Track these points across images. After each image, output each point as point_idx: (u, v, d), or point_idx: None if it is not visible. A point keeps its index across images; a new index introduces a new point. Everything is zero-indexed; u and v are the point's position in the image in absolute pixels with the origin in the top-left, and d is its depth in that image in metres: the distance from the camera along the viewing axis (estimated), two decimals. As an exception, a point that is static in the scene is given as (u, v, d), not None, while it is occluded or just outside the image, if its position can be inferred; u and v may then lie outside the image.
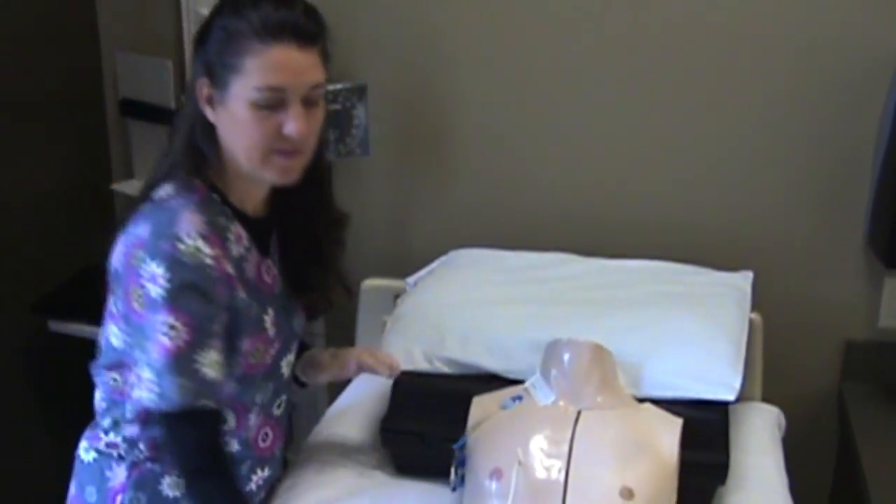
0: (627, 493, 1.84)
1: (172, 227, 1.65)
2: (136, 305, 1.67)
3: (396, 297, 2.54)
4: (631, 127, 2.71)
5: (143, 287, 1.65)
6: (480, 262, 2.57)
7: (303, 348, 2.07)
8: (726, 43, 2.60)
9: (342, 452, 2.22)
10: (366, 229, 2.85)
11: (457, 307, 2.33)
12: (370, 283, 2.71)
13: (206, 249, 1.66)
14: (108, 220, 2.96)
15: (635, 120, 2.70)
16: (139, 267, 1.65)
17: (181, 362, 1.65)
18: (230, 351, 1.75)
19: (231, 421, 1.84)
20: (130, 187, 2.91)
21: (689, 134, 2.67)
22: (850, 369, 2.71)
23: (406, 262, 2.72)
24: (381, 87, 2.73)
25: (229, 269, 1.71)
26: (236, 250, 1.76)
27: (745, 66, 2.60)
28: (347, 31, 2.72)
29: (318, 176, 1.89)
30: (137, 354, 1.70)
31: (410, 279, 2.56)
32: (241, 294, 1.75)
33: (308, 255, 1.94)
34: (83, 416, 1.96)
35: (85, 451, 1.89)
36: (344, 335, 2.72)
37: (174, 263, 1.63)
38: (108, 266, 1.75)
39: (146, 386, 1.68)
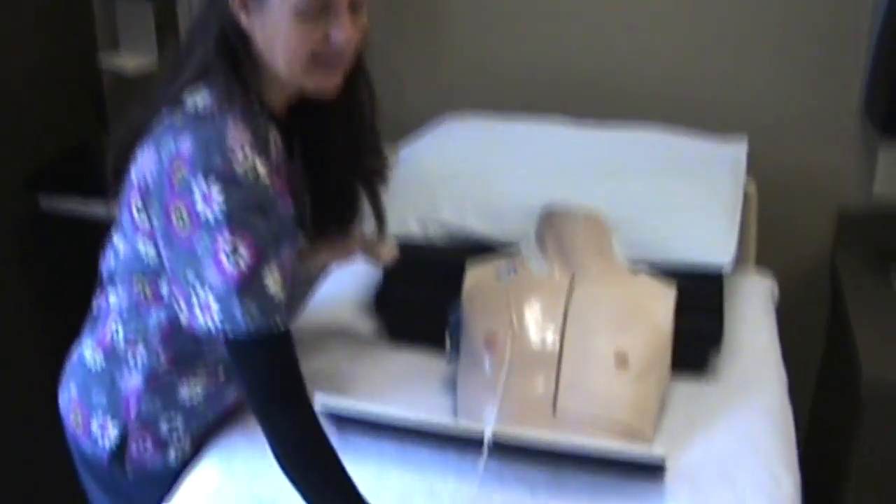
0: (622, 361, 1.85)
1: (223, 143, 1.54)
2: (179, 225, 1.56)
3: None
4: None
5: (192, 207, 1.54)
6: (474, 128, 2.56)
7: None
8: None
9: (336, 323, 2.23)
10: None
11: (450, 173, 2.32)
12: (363, 151, 2.69)
13: (261, 167, 1.56)
14: (95, 95, 2.93)
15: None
16: (186, 185, 1.54)
17: (247, 287, 1.55)
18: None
19: None
20: (117, 60, 2.87)
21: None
22: (843, 237, 2.72)
23: (399, 128, 2.69)
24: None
25: (273, 178, 1.62)
26: (276, 159, 1.68)
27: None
28: None
29: (352, 85, 1.78)
30: (188, 277, 1.58)
31: (404, 145, 2.54)
32: (286, 202, 1.69)
33: (329, 180, 1.84)
34: (77, 298, 1.94)
35: (90, 352, 1.82)
36: (382, 226, 2.71)
37: (230, 183, 1.53)
38: (130, 175, 1.65)
39: (206, 312, 1.57)
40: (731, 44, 2.64)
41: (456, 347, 1.96)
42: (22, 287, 2.71)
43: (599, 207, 2.07)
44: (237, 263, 1.54)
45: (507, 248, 2.13)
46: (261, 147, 1.61)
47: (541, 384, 1.83)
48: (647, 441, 1.84)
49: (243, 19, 1.61)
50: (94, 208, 2.62)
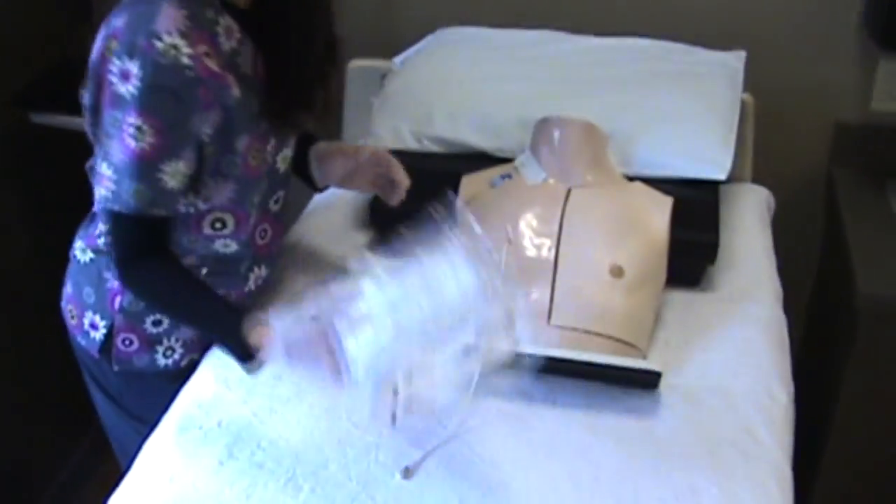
0: (617, 271, 1.85)
1: (150, 24, 1.54)
2: (104, 97, 1.60)
3: (383, 77, 2.49)
4: None
5: (112, 83, 1.57)
6: (468, 41, 2.53)
7: (307, 143, 1.99)
8: None
9: (330, 235, 2.22)
10: (350, 9, 2.78)
11: (445, 85, 2.30)
12: (357, 64, 2.66)
13: (186, 49, 1.55)
14: (85, 8, 2.89)
15: None
16: (111, 60, 1.57)
17: (143, 167, 1.59)
18: (227, 152, 1.69)
19: (230, 225, 1.80)
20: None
21: None
22: (840, 151, 2.70)
23: (393, 42, 2.66)
24: None
25: (214, 66, 1.60)
26: (227, 44, 1.66)
27: None
28: None
29: None
30: (97, 151, 1.66)
31: (397, 59, 2.51)
32: (235, 91, 1.66)
33: (287, 65, 1.80)
34: (72, 212, 1.94)
35: (81, 252, 1.88)
36: (331, 117, 2.69)
37: (148, 62, 1.54)
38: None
39: (104, 183, 1.63)
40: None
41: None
42: (17, 201, 2.70)
43: (595, 118, 2.05)
44: (138, 141, 1.57)
45: (502, 159, 2.11)
46: (203, 30, 1.60)
47: (536, 294, 1.83)
48: (641, 353, 1.84)
49: None
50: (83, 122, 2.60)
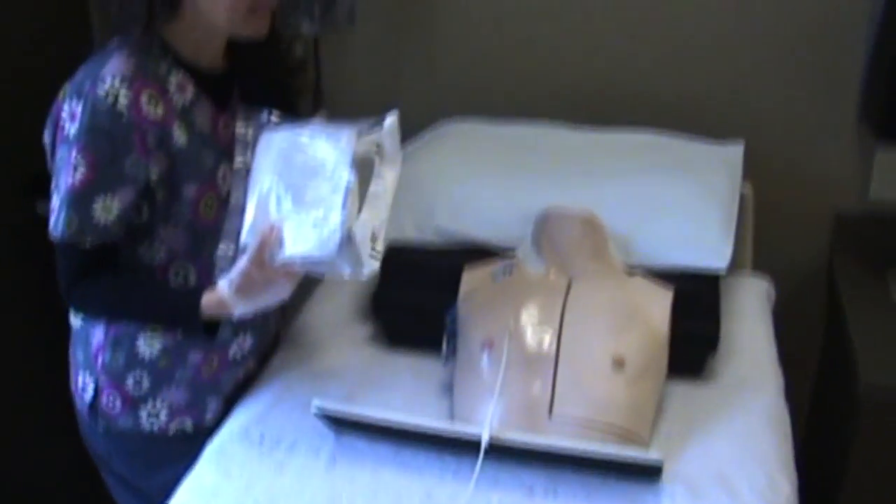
0: (619, 363, 1.85)
1: (99, 69, 1.71)
2: (58, 138, 1.76)
3: (387, 168, 2.51)
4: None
5: (63, 123, 1.73)
6: (470, 134, 2.56)
7: None
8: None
9: (334, 326, 2.24)
10: (354, 103, 2.83)
11: (447, 178, 2.32)
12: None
13: (125, 94, 1.69)
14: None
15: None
16: (64, 103, 1.74)
17: (75, 198, 1.72)
18: (175, 198, 1.80)
19: (192, 277, 1.88)
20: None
21: (682, 3, 2.63)
22: (839, 241, 2.71)
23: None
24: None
25: (157, 113, 1.74)
26: (180, 98, 1.79)
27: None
28: None
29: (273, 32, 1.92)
30: (52, 185, 1.77)
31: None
32: (180, 140, 1.77)
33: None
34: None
35: (73, 317, 1.97)
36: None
37: (89, 104, 1.69)
38: None
39: (52, 214, 1.76)
40: (729, 48, 2.63)
41: (453, 350, 1.96)
42: (20, 290, 2.70)
43: (596, 210, 2.07)
44: (74, 174, 1.71)
45: (504, 252, 2.13)
46: (146, 81, 1.73)
47: (537, 387, 1.83)
48: (644, 444, 1.84)
49: None
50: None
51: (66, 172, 1.72)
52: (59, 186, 1.74)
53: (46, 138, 1.83)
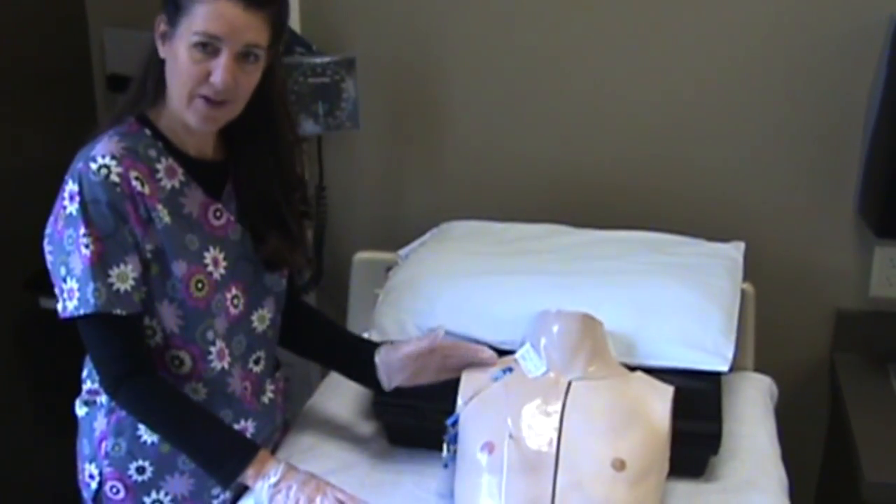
0: (619, 464, 1.84)
1: (91, 152, 1.77)
2: (59, 224, 1.79)
3: (388, 269, 2.53)
4: (622, 98, 2.70)
5: (62, 206, 1.78)
6: (472, 234, 2.58)
7: (367, 350, 2.09)
8: (715, 9, 2.60)
9: (336, 424, 2.23)
10: (357, 202, 2.86)
11: (448, 279, 2.32)
12: (362, 256, 2.71)
13: (115, 168, 1.76)
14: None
15: (626, 91, 2.69)
16: (63, 189, 1.79)
17: (95, 270, 1.75)
18: (167, 275, 1.84)
19: (188, 363, 1.89)
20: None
21: (681, 104, 2.67)
22: (841, 338, 2.72)
23: (398, 234, 2.71)
24: (370, 60, 2.71)
25: (146, 191, 1.79)
26: (168, 183, 1.84)
27: (735, 33, 2.60)
28: (336, 3, 2.71)
29: (272, 134, 1.95)
30: (60, 270, 1.79)
31: (402, 251, 2.55)
32: (165, 219, 1.82)
33: (265, 215, 1.98)
34: (76, 394, 1.98)
35: (78, 408, 1.97)
36: (336, 308, 2.72)
37: (84, 181, 1.75)
38: None
39: (66, 295, 1.78)
40: (727, 147, 2.67)
41: (453, 452, 1.95)
42: (22, 385, 2.71)
43: (597, 311, 2.07)
44: (88, 249, 1.75)
45: (503, 352, 2.13)
46: (135, 162, 1.79)
47: (538, 488, 1.82)
48: (646, 544, 1.82)
49: (161, 49, 1.82)
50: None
51: (78, 250, 1.75)
52: (76, 265, 1.76)
53: (48, 229, 1.84)
